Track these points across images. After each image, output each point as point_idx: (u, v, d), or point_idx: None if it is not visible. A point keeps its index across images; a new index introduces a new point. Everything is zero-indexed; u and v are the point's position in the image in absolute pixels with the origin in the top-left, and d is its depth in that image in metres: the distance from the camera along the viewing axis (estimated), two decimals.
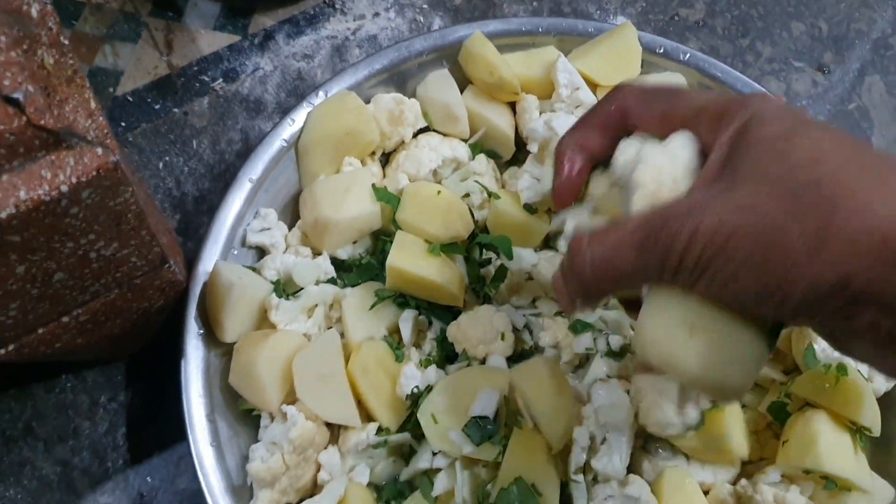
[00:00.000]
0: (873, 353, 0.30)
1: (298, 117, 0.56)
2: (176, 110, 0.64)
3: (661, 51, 0.60)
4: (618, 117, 0.38)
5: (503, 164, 0.61)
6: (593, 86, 0.59)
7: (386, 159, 0.60)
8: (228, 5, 0.69)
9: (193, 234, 0.60)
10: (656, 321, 0.33)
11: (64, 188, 0.38)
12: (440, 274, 0.51)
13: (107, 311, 0.48)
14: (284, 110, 0.65)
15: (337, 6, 0.69)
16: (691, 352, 0.31)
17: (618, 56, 0.59)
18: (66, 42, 0.42)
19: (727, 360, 0.31)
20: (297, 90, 0.66)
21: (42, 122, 0.37)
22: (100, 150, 0.39)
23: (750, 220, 0.28)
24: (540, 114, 0.58)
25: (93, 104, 0.41)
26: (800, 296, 0.28)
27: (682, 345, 0.31)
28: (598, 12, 0.71)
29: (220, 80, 0.65)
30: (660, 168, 0.34)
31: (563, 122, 0.54)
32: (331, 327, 0.53)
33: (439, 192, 0.54)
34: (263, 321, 0.52)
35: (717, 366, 0.31)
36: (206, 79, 0.65)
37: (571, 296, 0.36)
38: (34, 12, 0.42)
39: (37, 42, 0.41)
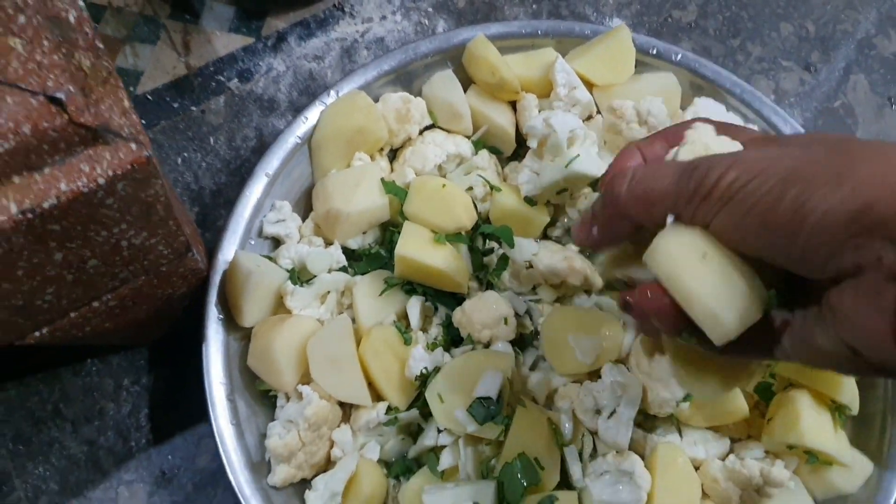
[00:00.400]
0: (856, 305, 0.30)
1: (311, 115, 0.59)
2: (193, 108, 0.67)
3: (655, 52, 0.63)
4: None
5: (504, 159, 0.64)
6: (589, 85, 0.62)
7: (393, 155, 0.63)
8: (242, 8, 0.72)
9: (211, 225, 0.63)
10: (672, 240, 0.34)
11: (101, 180, 0.41)
12: (446, 262, 0.54)
13: (134, 296, 0.51)
14: (297, 109, 0.68)
15: (346, 10, 0.72)
16: (698, 274, 0.33)
17: (613, 57, 0.62)
18: (101, 45, 0.45)
19: (729, 294, 0.33)
20: (309, 89, 0.69)
21: (82, 119, 0.40)
22: (133, 146, 0.42)
23: (785, 158, 0.31)
24: (539, 112, 0.61)
25: (126, 103, 0.44)
26: (815, 221, 0.29)
27: (692, 265, 0.33)
28: (595, 14, 0.74)
29: (235, 79, 0.68)
30: (709, 140, 0.37)
31: (561, 119, 0.57)
32: (342, 313, 0.56)
33: (444, 185, 0.57)
34: (279, 307, 0.55)
35: (718, 295, 0.33)
36: (222, 78, 0.68)
37: (593, 222, 0.38)
38: (71, 18, 0.45)
39: (74, 45, 0.44)
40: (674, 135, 0.40)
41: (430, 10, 0.73)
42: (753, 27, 0.75)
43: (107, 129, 0.41)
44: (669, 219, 0.35)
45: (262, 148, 0.66)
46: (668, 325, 0.35)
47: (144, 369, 0.59)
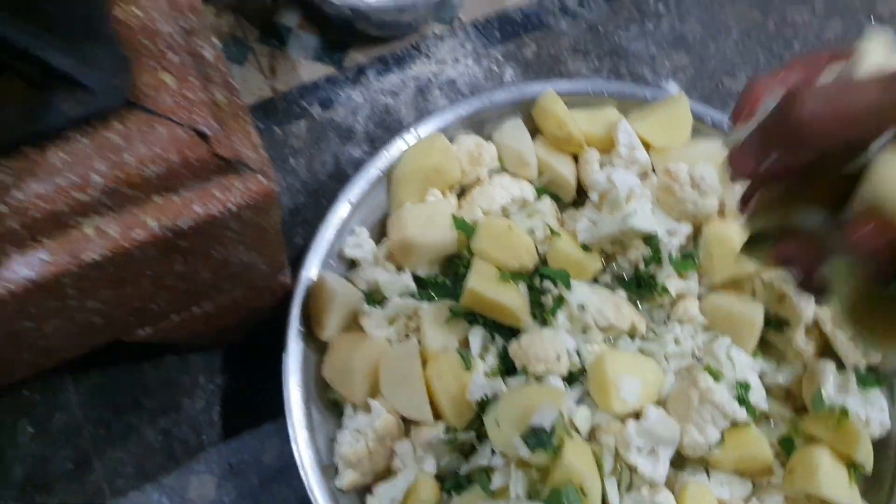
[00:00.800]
0: None
1: (392, 150, 0.65)
2: (277, 130, 0.72)
3: (710, 121, 0.68)
4: (829, 61, 0.35)
5: (563, 206, 0.69)
6: (647, 146, 0.68)
7: (461, 192, 0.68)
8: (327, 40, 0.77)
9: (289, 243, 0.68)
10: None
11: (231, 206, 0.46)
12: (511, 299, 0.59)
13: (229, 306, 0.56)
14: (371, 140, 0.73)
15: (422, 50, 0.77)
16: None
17: (671, 123, 0.67)
18: (233, 83, 0.50)
19: None
20: (384, 123, 0.74)
21: (220, 151, 0.45)
22: (262, 178, 0.47)
23: None
24: (600, 167, 0.67)
25: (255, 138, 0.49)
26: None
27: None
28: (652, 76, 0.80)
29: (317, 106, 0.74)
30: (889, 57, 0.33)
31: (622, 177, 0.62)
32: (408, 335, 0.61)
33: (510, 227, 0.63)
34: (353, 324, 0.60)
35: None
36: (305, 104, 0.74)
37: (762, 152, 0.32)
38: (208, 55, 0.50)
39: (210, 81, 0.49)
40: (813, 63, 0.35)
41: (500, 57, 0.78)
42: None
43: (239, 161, 0.47)
44: (881, 140, 0.29)
45: (338, 173, 0.71)
46: (890, 266, 0.29)
47: (219, 370, 0.64)
